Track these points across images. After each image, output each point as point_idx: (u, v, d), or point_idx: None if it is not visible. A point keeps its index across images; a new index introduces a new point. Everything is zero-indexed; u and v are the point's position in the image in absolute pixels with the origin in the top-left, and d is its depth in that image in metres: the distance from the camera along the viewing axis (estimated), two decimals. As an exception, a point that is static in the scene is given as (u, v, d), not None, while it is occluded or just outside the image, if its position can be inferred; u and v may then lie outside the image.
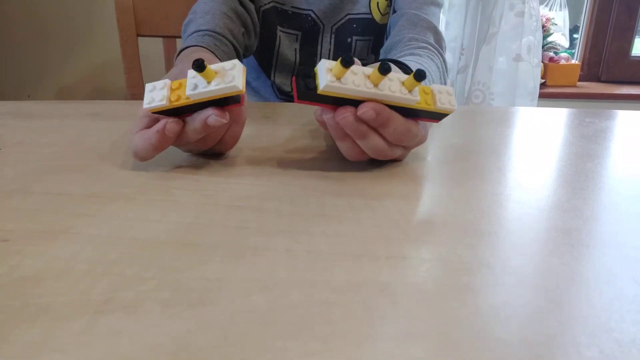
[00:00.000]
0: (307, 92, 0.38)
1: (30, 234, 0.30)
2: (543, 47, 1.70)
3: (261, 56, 0.92)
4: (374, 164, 0.44)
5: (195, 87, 0.39)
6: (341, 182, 0.39)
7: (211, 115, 0.40)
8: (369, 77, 0.38)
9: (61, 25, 1.71)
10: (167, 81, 0.41)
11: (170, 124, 0.40)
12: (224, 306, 0.23)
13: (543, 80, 1.74)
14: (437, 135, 0.54)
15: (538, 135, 0.56)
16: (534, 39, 1.54)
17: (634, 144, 0.53)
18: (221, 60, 0.65)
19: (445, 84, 0.75)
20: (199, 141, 0.42)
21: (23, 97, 1.80)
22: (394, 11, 0.88)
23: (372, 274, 0.26)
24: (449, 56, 1.62)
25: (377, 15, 0.88)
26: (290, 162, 0.44)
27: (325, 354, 0.20)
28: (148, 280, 0.25)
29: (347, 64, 0.36)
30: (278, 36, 0.89)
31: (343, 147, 0.41)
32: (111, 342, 0.20)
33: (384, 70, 0.37)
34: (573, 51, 1.82)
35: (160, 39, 1.10)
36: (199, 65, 0.37)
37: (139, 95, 1.07)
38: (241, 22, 0.78)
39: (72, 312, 0.22)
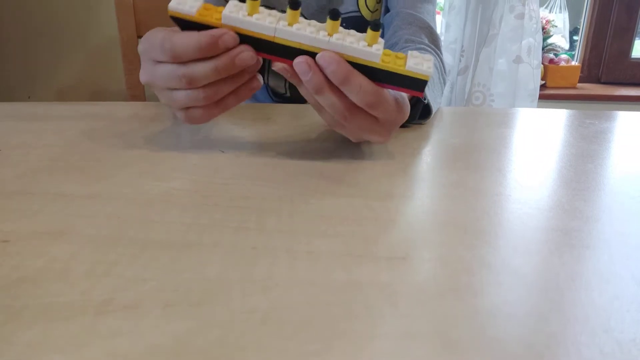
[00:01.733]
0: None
1: (30, 234, 0.30)
2: (543, 48, 1.70)
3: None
4: (374, 163, 0.44)
5: (235, 12, 0.38)
6: (341, 182, 0.39)
7: (244, 52, 0.38)
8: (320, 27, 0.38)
9: (61, 26, 1.71)
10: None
11: (230, 34, 0.38)
12: (224, 306, 0.23)
13: (543, 82, 1.74)
14: (437, 136, 0.54)
15: (538, 136, 0.56)
16: (534, 40, 1.54)
17: (634, 145, 0.53)
18: None
19: (444, 83, 0.74)
20: (205, 86, 0.41)
21: (23, 98, 1.80)
22: (387, 10, 0.88)
23: (372, 274, 0.26)
24: (449, 58, 1.62)
25: (366, 13, 0.88)
26: (290, 162, 0.44)
27: (325, 354, 0.20)
28: (148, 280, 0.25)
29: (294, 5, 0.37)
30: None
31: (310, 101, 0.42)
32: (111, 342, 0.20)
33: (334, 15, 0.36)
34: (573, 53, 1.82)
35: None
36: None
37: (139, 96, 1.07)
38: None
39: (72, 313, 0.22)
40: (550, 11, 1.78)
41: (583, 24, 1.76)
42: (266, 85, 0.93)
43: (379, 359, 0.20)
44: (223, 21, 0.38)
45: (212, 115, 0.44)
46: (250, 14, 0.38)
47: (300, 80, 0.39)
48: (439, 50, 0.79)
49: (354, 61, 0.38)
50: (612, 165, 0.45)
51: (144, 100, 1.06)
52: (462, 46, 1.60)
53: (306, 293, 0.24)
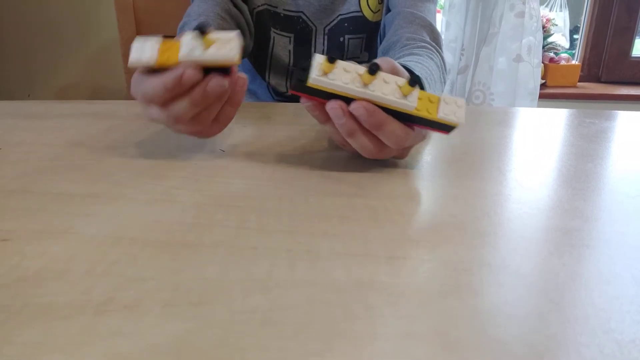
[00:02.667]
0: (299, 83, 0.38)
1: (30, 234, 0.30)
2: (543, 47, 1.70)
3: (256, 58, 0.92)
4: (374, 163, 0.44)
5: (191, 51, 0.38)
6: (341, 182, 0.39)
7: (212, 81, 0.39)
8: (360, 76, 0.38)
9: (61, 25, 1.71)
10: (159, 38, 0.40)
11: (190, 70, 0.39)
12: (224, 306, 0.23)
13: (543, 81, 1.74)
14: (437, 136, 0.54)
15: (538, 135, 0.56)
16: (534, 39, 1.54)
17: (634, 145, 0.53)
18: None
19: (445, 82, 0.74)
20: (192, 119, 0.42)
21: (23, 97, 1.80)
22: (388, 10, 0.87)
23: (372, 274, 0.26)
24: (449, 56, 1.62)
25: (368, 13, 0.88)
26: (291, 162, 0.44)
27: (325, 354, 0.20)
28: (148, 280, 0.25)
29: (331, 60, 0.37)
30: (272, 37, 0.89)
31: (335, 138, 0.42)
32: (111, 342, 0.20)
33: (372, 71, 0.37)
34: (573, 52, 1.82)
35: (161, 39, 1.10)
36: (202, 28, 0.38)
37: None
38: (235, 23, 0.78)
39: (72, 312, 0.22)
40: (550, 10, 1.78)
41: (583, 23, 1.76)
42: (267, 84, 0.93)
43: (379, 359, 0.20)
44: (180, 59, 0.39)
45: (213, 133, 0.45)
46: (205, 48, 0.39)
47: (327, 120, 0.40)
48: (440, 48, 0.79)
49: (390, 108, 0.39)
50: (612, 164, 0.45)
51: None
52: (462, 45, 1.60)
53: (306, 293, 0.24)
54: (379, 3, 0.88)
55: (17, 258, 0.27)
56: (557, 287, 0.25)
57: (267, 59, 0.91)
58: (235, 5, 0.80)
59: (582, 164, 0.45)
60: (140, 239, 0.29)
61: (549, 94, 1.68)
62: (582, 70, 1.75)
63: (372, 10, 0.88)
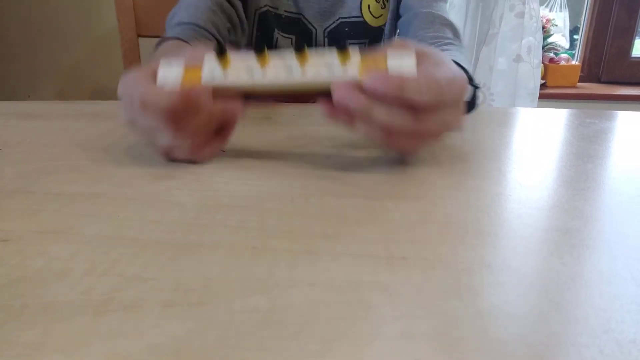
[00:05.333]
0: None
1: (30, 234, 0.30)
2: (543, 48, 1.70)
3: None
4: (375, 163, 0.44)
5: (212, 76, 0.39)
6: (341, 182, 0.39)
7: (230, 104, 0.40)
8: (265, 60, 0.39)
9: (62, 26, 1.71)
10: (181, 64, 0.40)
11: (201, 89, 0.38)
12: (224, 306, 0.23)
13: (543, 81, 1.74)
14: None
15: (538, 135, 0.56)
16: (534, 39, 1.54)
17: (634, 145, 0.53)
18: None
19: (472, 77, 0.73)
20: (192, 133, 0.40)
21: (23, 97, 1.80)
22: (398, 15, 0.87)
23: (372, 274, 0.26)
24: (449, 57, 1.62)
25: (369, 18, 0.87)
26: (291, 162, 0.44)
27: (325, 354, 0.20)
28: (148, 280, 0.25)
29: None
30: (275, 39, 0.88)
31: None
32: (111, 342, 0.20)
33: (299, 47, 0.38)
34: (573, 52, 1.82)
35: (161, 39, 1.10)
36: (221, 49, 0.38)
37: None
38: (227, 17, 0.77)
39: (72, 313, 0.22)
40: (550, 10, 1.78)
41: (583, 23, 1.76)
42: None
43: (379, 359, 0.20)
44: (203, 83, 0.39)
45: (202, 156, 0.43)
46: (224, 68, 0.39)
47: (351, 119, 0.38)
48: (461, 45, 0.79)
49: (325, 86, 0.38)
50: (612, 165, 0.45)
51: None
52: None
53: (306, 293, 0.24)
54: (382, 8, 0.87)
55: (17, 258, 0.27)
56: (557, 287, 0.25)
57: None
58: (229, 1, 0.79)
59: (582, 164, 0.45)
60: (140, 239, 0.29)
61: (548, 94, 1.68)
62: (582, 71, 1.75)
63: (373, 15, 0.88)
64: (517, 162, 0.45)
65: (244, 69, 0.39)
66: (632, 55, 1.72)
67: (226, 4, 0.78)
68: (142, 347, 0.20)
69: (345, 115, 0.38)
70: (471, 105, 0.62)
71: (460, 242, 0.29)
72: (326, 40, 0.89)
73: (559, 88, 1.72)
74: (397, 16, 0.90)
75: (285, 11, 0.86)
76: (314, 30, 0.88)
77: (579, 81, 1.74)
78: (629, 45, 1.70)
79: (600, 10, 1.68)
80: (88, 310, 0.22)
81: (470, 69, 0.64)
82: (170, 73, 0.40)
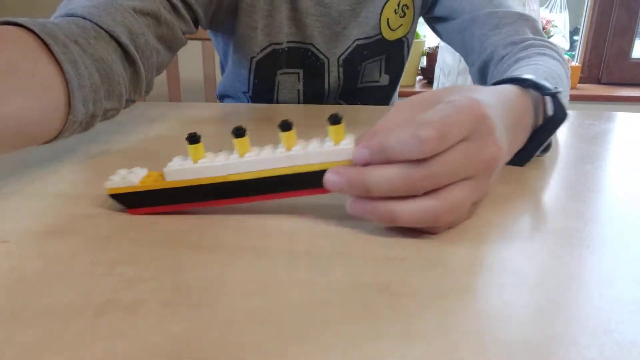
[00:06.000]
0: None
1: (30, 234, 0.30)
2: (543, 49, 1.69)
3: (259, 101, 0.78)
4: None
5: (179, 169, 0.31)
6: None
7: None
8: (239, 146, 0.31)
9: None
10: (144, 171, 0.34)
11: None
12: (224, 306, 0.23)
13: (543, 82, 1.73)
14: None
15: (538, 136, 0.56)
16: (534, 40, 1.54)
17: (633, 146, 0.53)
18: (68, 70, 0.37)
19: (569, 77, 0.57)
20: None
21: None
22: (435, 18, 0.74)
23: (372, 274, 0.26)
24: (448, 58, 1.62)
25: (387, 34, 0.76)
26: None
27: (325, 355, 0.20)
28: (148, 280, 0.25)
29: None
30: (277, 82, 0.76)
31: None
32: (111, 342, 0.20)
33: (285, 126, 0.30)
34: (573, 53, 1.82)
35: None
36: (193, 137, 0.31)
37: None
38: (158, 32, 0.53)
39: (72, 313, 0.22)
40: (550, 11, 1.78)
41: (583, 24, 1.76)
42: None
43: (379, 359, 0.20)
44: (167, 178, 0.32)
45: None
46: (195, 161, 0.32)
47: (364, 208, 0.29)
48: (543, 36, 0.64)
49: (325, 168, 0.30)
50: (612, 166, 0.45)
51: (144, 100, 1.06)
52: (463, 46, 1.60)
53: (306, 293, 0.24)
54: (401, 17, 0.76)
55: (17, 259, 0.27)
56: (557, 287, 0.25)
57: (276, 78, 0.77)
58: (172, 10, 0.56)
59: (582, 165, 0.45)
60: (140, 239, 0.29)
61: (549, 95, 1.67)
62: (582, 72, 1.75)
63: (391, 29, 0.76)
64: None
65: (219, 158, 0.32)
66: (632, 57, 1.72)
67: (165, 15, 0.53)
68: (141, 347, 0.20)
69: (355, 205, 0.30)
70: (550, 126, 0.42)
71: (461, 243, 0.29)
72: (341, 70, 0.76)
73: (559, 89, 1.72)
74: (428, 21, 0.79)
75: (289, 42, 0.72)
76: (325, 60, 0.75)
77: (579, 82, 1.74)
78: (629, 46, 1.70)
79: (600, 11, 1.69)
80: (88, 312, 0.22)
81: (553, 72, 0.50)
82: (129, 177, 0.33)
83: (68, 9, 0.46)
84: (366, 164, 0.29)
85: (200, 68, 1.21)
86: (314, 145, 0.31)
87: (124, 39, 0.45)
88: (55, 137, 0.39)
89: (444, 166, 0.27)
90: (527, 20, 0.65)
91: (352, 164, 0.29)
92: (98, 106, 0.41)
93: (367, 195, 0.29)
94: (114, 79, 0.43)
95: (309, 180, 0.30)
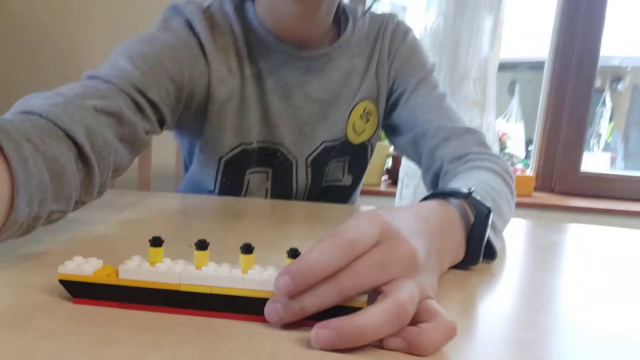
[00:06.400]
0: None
1: None
2: (500, 157, 1.80)
3: None
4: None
5: (135, 268, 0.31)
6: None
7: None
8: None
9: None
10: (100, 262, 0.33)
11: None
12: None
13: (501, 189, 1.81)
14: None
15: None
16: (492, 150, 1.64)
17: (585, 257, 0.55)
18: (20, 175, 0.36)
19: (507, 182, 0.63)
20: None
21: None
22: (391, 131, 0.80)
23: None
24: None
25: (352, 137, 0.80)
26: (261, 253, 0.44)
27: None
28: None
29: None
30: (246, 181, 0.76)
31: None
32: None
33: (246, 249, 0.32)
34: (528, 162, 1.94)
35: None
36: (156, 241, 0.32)
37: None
38: (119, 132, 0.53)
39: None
40: (507, 121, 1.92)
41: (536, 136, 1.89)
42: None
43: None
44: (121, 275, 0.31)
45: None
46: (152, 264, 0.32)
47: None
48: (489, 148, 0.69)
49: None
50: (565, 276, 0.47)
51: (112, 187, 1.06)
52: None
53: None
54: (365, 122, 0.80)
55: None
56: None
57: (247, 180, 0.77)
58: (140, 110, 0.58)
59: (536, 274, 0.47)
60: (87, 333, 0.28)
61: (506, 201, 1.74)
62: (536, 181, 1.85)
63: (356, 133, 0.80)
64: (473, 271, 0.46)
65: (176, 266, 0.32)
66: (582, 170, 1.83)
67: (129, 115, 0.55)
68: None
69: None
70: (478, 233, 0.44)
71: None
72: (309, 170, 0.79)
73: (516, 197, 1.80)
74: (388, 130, 0.84)
75: (259, 142, 0.74)
76: (293, 160, 0.77)
77: (534, 191, 1.83)
78: (578, 160, 1.82)
79: (551, 125, 1.82)
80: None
81: (488, 186, 0.54)
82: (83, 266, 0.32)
83: (25, 107, 0.45)
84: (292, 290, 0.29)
85: (173, 154, 1.22)
86: (269, 273, 0.31)
87: (81, 138, 0.45)
88: None
89: (366, 262, 0.30)
90: (472, 134, 0.70)
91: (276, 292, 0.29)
92: (43, 207, 0.39)
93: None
94: (64, 179, 0.42)
95: (259, 306, 0.31)
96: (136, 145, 0.57)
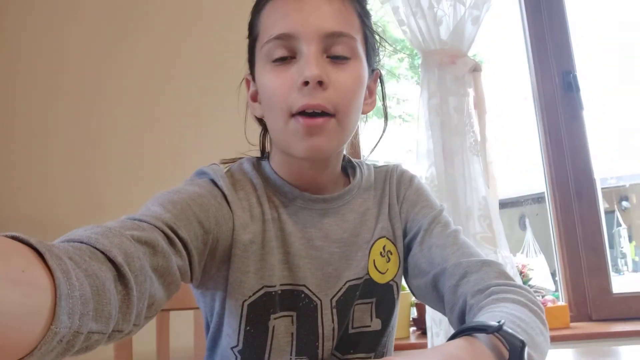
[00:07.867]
0: None
1: None
2: (527, 291, 1.74)
3: (250, 352, 0.74)
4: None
5: None
6: None
7: None
8: None
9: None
10: None
11: None
12: None
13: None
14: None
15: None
16: (516, 284, 1.59)
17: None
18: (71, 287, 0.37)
19: (535, 312, 0.60)
20: None
21: None
22: (410, 274, 0.79)
23: None
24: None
25: (375, 275, 0.79)
26: None
27: None
28: None
29: None
30: (271, 327, 0.73)
31: None
32: None
33: None
34: (558, 293, 1.87)
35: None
36: None
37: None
38: (153, 262, 0.54)
39: None
40: (527, 256, 1.89)
41: (558, 266, 1.85)
42: None
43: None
44: None
45: None
46: None
47: None
48: (511, 279, 0.68)
49: None
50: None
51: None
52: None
53: None
54: (387, 262, 0.80)
55: None
56: None
57: (265, 352, 0.74)
58: (177, 238, 0.60)
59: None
60: None
61: (545, 337, 1.65)
62: (571, 310, 1.77)
63: (379, 271, 0.79)
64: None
65: None
66: (614, 292, 1.76)
67: (163, 245, 0.56)
68: None
69: None
70: None
71: None
72: (334, 311, 0.76)
73: (553, 330, 1.71)
74: (407, 274, 0.82)
75: (282, 284, 0.74)
76: (318, 302, 0.75)
77: (572, 321, 1.74)
78: (606, 282, 1.76)
79: (569, 253, 1.79)
80: None
81: (514, 317, 0.53)
82: None
83: (66, 237, 0.48)
84: None
85: (191, 337, 1.21)
86: None
87: (120, 259, 0.46)
88: (30, 353, 0.34)
89: None
90: (490, 266, 0.69)
91: None
92: (84, 322, 0.39)
93: None
94: (104, 296, 0.42)
95: None
96: (168, 280, 0.57)
